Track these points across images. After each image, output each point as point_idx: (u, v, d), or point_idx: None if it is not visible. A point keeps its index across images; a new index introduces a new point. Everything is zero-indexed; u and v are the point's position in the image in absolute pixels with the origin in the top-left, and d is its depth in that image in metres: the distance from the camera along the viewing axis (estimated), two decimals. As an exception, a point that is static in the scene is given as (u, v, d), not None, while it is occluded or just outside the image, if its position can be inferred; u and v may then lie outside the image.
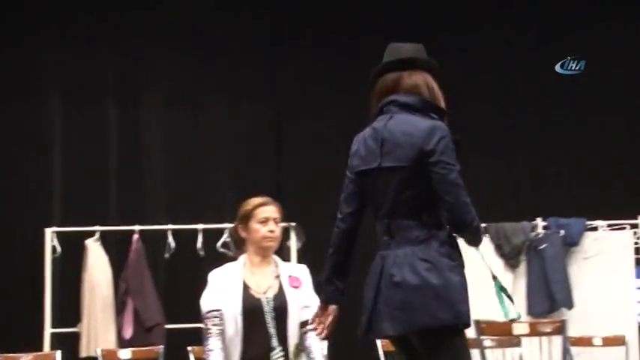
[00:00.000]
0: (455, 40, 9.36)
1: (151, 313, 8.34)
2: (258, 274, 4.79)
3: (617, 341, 7.51)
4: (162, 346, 7.51)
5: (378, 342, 7.54)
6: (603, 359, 7.52)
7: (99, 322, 8.29)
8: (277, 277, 4.80)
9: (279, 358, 4.59)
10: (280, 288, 4.77)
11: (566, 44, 9.40)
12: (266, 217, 4.81)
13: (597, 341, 7.54)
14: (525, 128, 9.69)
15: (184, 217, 8.99)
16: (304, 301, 4.78)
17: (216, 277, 4.81)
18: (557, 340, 7.39)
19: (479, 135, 9.07)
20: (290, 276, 4.82)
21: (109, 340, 8.21)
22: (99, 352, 7.36)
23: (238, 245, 4.91)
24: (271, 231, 4.80)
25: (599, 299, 8.65)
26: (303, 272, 4.89)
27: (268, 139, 9.72)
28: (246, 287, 4.74)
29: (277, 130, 9.75)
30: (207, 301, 4.77)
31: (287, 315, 4.71)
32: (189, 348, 7.17)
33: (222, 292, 4.73)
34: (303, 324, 4.75)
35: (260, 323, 4.68)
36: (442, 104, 3.96)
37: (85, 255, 8.44)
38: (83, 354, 8.24)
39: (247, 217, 4.82)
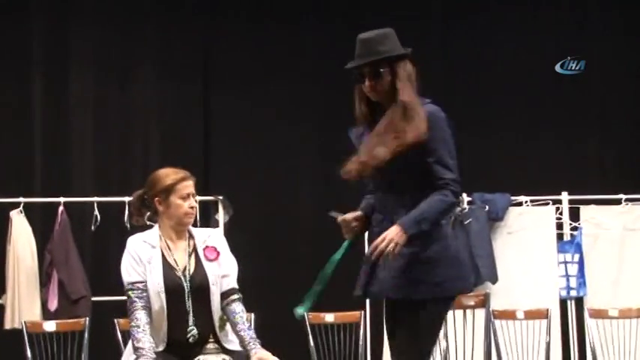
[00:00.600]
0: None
1: (76, 285, 8.28)
2: (175, 250, 4.72)
3: (539, 314, 7.64)
4: (87, 318, 7.47)
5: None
6: (526, 332, 7.63)
7: (23, 294, 8.20)
8: (193, 250, 4.74)
9: (193, 335, 4.57)
10: (198, 264, 4.71)
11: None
12: (188, 192, 4.74)
13: (520, 314, 7.66)
14: (455, 104, 9.80)
15: (111, 189, 8.93)
16: (222, 271, 4.74)
17: (136, 246, 4.72)
18: (481, 313, 7.50)
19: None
20: (206, 247, 4.76)
21: (34, 313, 8.13)
22: (23, 324, 7.30)
23: (148, 215, 4.81)
24: (192, 207, 4.74)
25: (522, 273, 8.79)
26: (218, 239, 4.81)
27: (197, 112, 9.68)
28: (166, 264, 4.67)
29: (206, 103, 9.72)
30: (129, 272, 4.69)
31: (209, 292, 4.67)
32: (115, 320, 7.13)
33: (144, 265, 4.67)
34: (224, 294, 4.72)
35: (181, 302, 4.64)
36: None
37: (8, 227, 8.33)
38: (7, 326, 8.15)
39: (168, 191, 4.72)
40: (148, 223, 4.84)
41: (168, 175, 4.75)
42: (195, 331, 4.57)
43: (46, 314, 8.15)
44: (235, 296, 4.73)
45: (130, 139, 9.50)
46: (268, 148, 9.61)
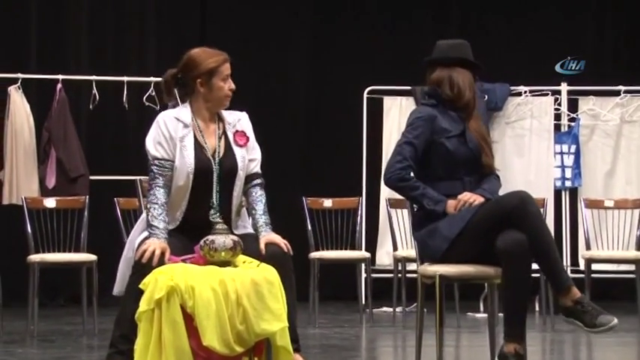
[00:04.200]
0: None
1: (75, 163, 8.28)
2: (207, 130, 4.66)
3: (536, 204, 7.68)
4: (87, 196, 7.49)
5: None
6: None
7: (21, 170, 8.20)
8: (223, 134, 4.71)
9: (216, 219, 4.56)
10: (228, 148, 4.65)
11: None
12: (228, 74, 4.65)
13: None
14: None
15: (107, 68, 8.86)
16: (249, 156, 4.73)
17: (168, 122, 4.62)
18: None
19: None
20: (236, 132, 4.71)
21: (31, 189, 8.14)
22: (23, 200, 7.32)
23: (179, 94, 4.73)
24: (231, 89, 4.68)
25: (520, 163, 8.84)
26: (246, 124, 4.77)
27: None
28: (198, 145, 4.62)
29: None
30: (156, 147, 4.60)
31: (236, 177, 4.65)
32: (115, 199, 7.17)
33: (175, 143, 4.59)
34: (247, 178, 4.71)
35: (207, 184, 4.61)
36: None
37: (7, 102, 8.28)
38: (5, 201, 8.17)
39: (212, 73, 4.60)
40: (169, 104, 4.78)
41: (210, 56, 4.62)
42: (219, 215, 4.56)
43: (44, 191, 8.16)
44: (258, 181, 4.71)
45: (126, 19, 9.37)
46: (265, 26, 9.51)
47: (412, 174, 4.79)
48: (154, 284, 4.20)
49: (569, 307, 4.50)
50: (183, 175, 4.57)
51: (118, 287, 4.64)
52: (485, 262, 4.64)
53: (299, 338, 4.60)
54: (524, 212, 4.52)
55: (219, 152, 4.65)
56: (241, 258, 4.42)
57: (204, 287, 4.18)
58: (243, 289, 4.23)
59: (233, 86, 4.67)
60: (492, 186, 4.84)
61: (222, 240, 4.34)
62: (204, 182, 4.59)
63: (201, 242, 4.35)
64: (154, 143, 4.60)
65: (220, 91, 4.64)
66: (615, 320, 4.43)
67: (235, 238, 4.39)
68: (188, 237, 4.53)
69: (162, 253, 4.39)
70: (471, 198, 4.69)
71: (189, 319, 4.17)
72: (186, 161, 4.57)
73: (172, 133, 4.59)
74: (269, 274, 4.32)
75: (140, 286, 4.23)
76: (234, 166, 4.64)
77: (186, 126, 4.62)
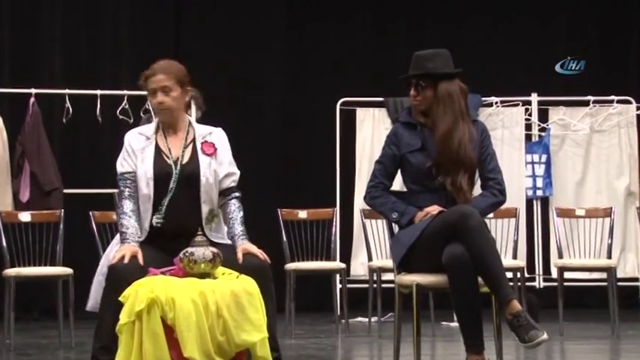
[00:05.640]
0: None
1: (49, 177, 8.27)
2: (171, 139, 4.78)
3: (508, 214, 7.76)
4: (62, 210, 7.49)
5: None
6: (494, 231, 7.74)
7: (-6, 185, 8.19)
8: (192, 142, 4.78)
9: (160, 223, 4.63)
10: (193, 155, 4.75)
11: None
12: (153, 88, 4.71)
13: (490, 214, 7.76)
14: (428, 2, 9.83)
15: (82, 82, 8.85)
16: (223, 168, 4.78)
17: (131, 138, 4.80)
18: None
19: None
20: (205, 142, 4.79)
21: (5, 203, 8.12)
22: (-2, 214, 7.31)
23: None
24: (159, 102, 4.71)
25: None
26: (219, 137, 4.85)
27: (167, 4, 9.59)
28: (158, 152, 4.73)
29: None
30: (121, 163, 4.77)
31: (199, 182, 4.71)
32: (90, 213, 7.17)
33: (136, 155, 4.73)
34: (223, 192, 4.78)
35: (169, 189, 4.70)
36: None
37: (-21, 116, 8.28)
38: (-21, 216, 8.15)
39: (145, 89, 4.81)
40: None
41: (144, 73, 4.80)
42: (160, 218, 4.64)
43: (18, 205, 8.15)
44: (235, 194, 4.80)
45: (99, 32, 9.37)
46: (242, 39, 9.53)
47: (383, 190, 4.98)
48: (135, 296, 4.23)
49: (508, 320, 4.61)
50: (144, 183, 4.71)
51: (92, 303, 4.68)
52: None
53: (279, 347, 4.64)
54: (464, 228, 4.62)
55: (182, 159, 4.73)
56: (220, 269, 4.46)
57: (184, 299, 4.22)
58: (223, 300, 4.27)
59: (160, 99, 4.72)
60: (477, 201, 4.89)
61: (201, 252, 4.38)
62: (166, 189, 4.67)
63: (181, 254, 4.40)
64: (120, 160, 4.80)
65: (151, 103, 4.79)
66: (543, 336, 4.52)
67: (215, 250, 4.43)
68: (160, 248, 4.60)
69: (134, 256, 4.47)
70: (434, 210, 4.78)
71: (169, 331, 4.21)
72: (146, 169, 4.69)
73: (134, 147, 4.74)
74: (248, 285, 4.37)
75: (120, 298, 4.27)
76: (196, 171, 4.71)
77: (147, 138, 4.78)
